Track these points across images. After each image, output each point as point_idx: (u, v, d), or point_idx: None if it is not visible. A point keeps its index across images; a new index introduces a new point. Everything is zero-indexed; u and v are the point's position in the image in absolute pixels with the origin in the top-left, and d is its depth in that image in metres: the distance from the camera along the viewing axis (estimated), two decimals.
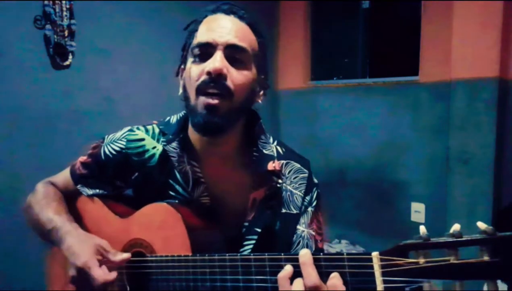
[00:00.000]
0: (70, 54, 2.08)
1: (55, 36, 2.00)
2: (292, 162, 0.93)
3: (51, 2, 1.96)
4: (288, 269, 0.66)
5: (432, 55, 2.68)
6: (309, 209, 0.92)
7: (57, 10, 1.99)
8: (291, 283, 0.66)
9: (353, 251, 2.76)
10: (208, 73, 0.78)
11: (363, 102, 3.03)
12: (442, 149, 2.58)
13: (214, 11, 0.85)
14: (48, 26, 1.96)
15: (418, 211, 2.76)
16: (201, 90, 0.79)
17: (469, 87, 2.40)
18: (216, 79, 0.78)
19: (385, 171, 2.93)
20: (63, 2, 2.00)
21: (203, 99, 0.79)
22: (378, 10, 3.23)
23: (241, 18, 0.84)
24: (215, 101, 0.78)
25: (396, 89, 2.89)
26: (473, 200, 2.39)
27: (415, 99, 2.78)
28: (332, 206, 3.06)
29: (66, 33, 2.03)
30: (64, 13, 2.01)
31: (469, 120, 2.41)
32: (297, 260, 0.66)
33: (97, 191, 0.98)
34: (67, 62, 2.08)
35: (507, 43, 2.34)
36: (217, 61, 0.78)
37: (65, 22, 2.02)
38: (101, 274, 0.78)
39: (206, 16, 0.86)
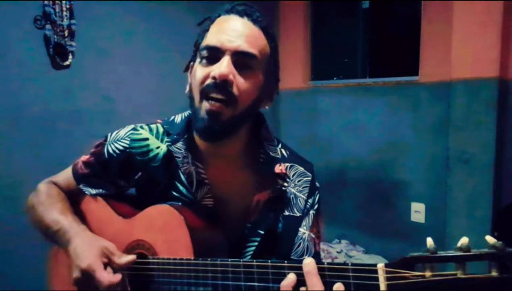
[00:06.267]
0: (70, 54, 2.07)
1: (55, 36, 2.00)
2: (296, 165, 0.93)
3: (51, 2, 1.96)
4: (291, 278, 0.66)
5: (432, 55, 2.68)
6: (311, 212, 0.92)
7: (57, 10, 1.98)
8: None
9: (353, 252, 2.77)
10: (214, 78, 0.76)
11: (363, 102, 3.02)
12: (442, 149, 2.57)
13: (228, 12, 0.83)
14: (48, 26, 1.96)
15: (418, 211, 2.76)
16: (205, 94, 0.78)
17: (469, 87, 2.40)
18: (221, 85, 0.76)
19: (385, 171, 2.93)
20: (63, 2, 2.00)
21: (206, 105, 0.78)
22: (378, 10, 3.23)
23: (254, 21, 0.82)
24: (218, 108, 0.77)
25: (396, 89, 2.89)
26: (473, 200, 2.39)
27: (415, 99, 2.78)
28: (332, 206, 3.06)
29: (66, 33, 2.03)
30: (64, 13, 2.01)
31: (469, 120, 2.41)
32: (301, 268, 0.65)
33: (100, 190, 0.97)
34: (67, 62, 2.08)
35: (507, 43, 2.34)
36: (224, 66, 0.76)
37: (65, 22, 2.01)
38: (105, 276, 0.78)
39: (219, 15, 0.83)
